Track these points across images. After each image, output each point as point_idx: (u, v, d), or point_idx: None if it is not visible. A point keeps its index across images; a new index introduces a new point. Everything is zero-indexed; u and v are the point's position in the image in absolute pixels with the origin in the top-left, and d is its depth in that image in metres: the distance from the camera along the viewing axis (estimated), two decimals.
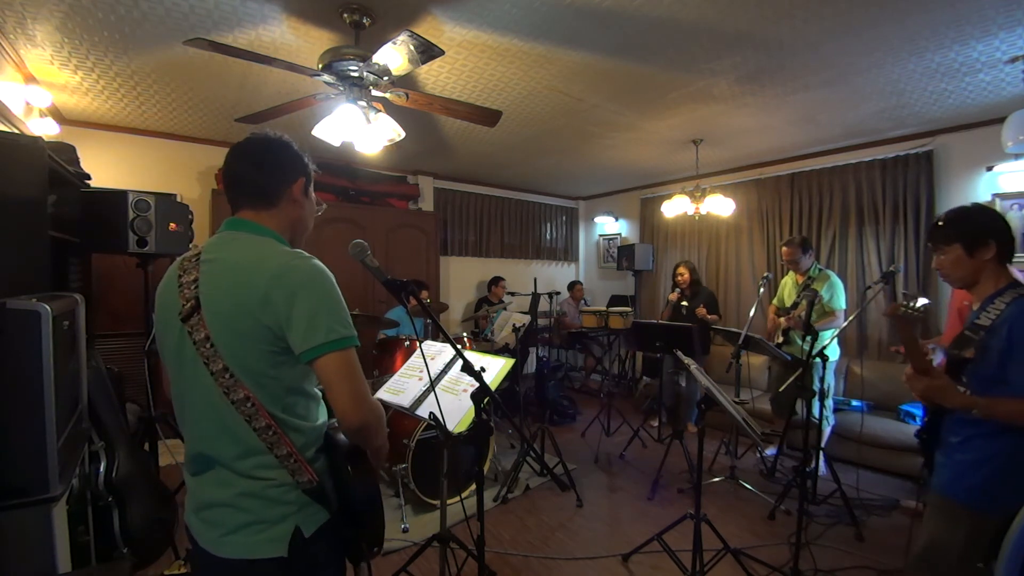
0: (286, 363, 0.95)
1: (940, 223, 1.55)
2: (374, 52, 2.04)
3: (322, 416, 1.07)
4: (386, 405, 2.17)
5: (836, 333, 3.09)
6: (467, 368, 1.44)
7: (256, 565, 0.94)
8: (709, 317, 4.18)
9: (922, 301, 1.47)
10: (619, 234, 6.78)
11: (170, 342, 1.00)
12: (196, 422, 0.99)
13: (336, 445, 1.04)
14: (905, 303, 1.47)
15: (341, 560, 1.08)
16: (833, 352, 3.38)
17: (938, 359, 1.79)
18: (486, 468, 3.26)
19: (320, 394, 1.05)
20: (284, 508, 0.96)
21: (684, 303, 4.30)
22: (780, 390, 3.41)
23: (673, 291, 4.39)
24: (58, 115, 3.49)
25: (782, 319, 3.52)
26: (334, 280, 0.98)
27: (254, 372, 0.93)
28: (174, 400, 1.03)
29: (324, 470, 1.02)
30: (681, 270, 4.40)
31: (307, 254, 1.00)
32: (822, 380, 2.95)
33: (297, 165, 1.09)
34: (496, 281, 5.66)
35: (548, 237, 7.03)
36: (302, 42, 2.52)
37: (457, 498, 2.87)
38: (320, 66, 2.21)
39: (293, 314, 0.91)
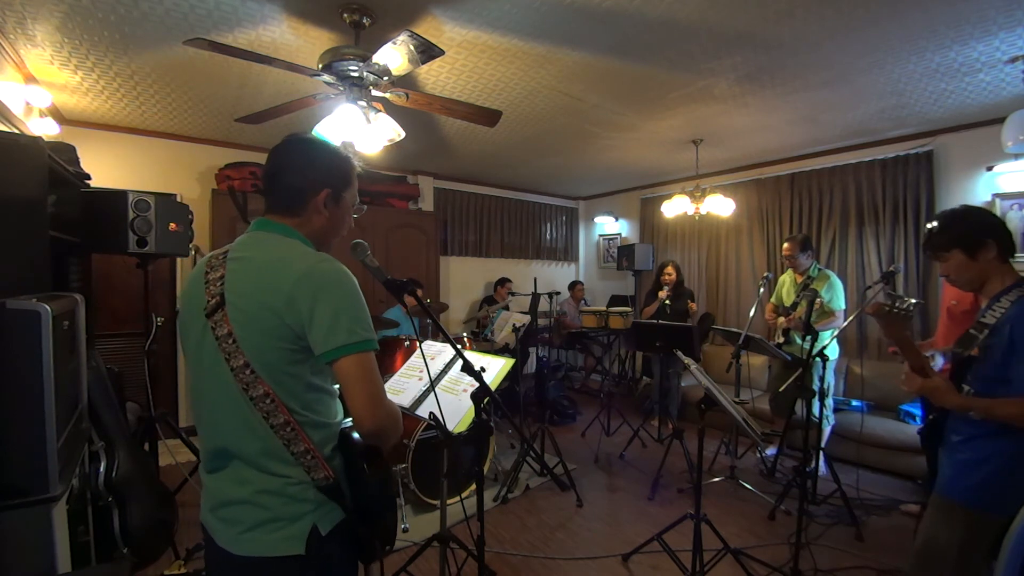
0: (305, 361, 0.97)
1: (934, 231, 1.52)
2: (374, 52, 2.04)
3: (339, 413, 1.08)
4: None
5: (836, 333, 3.09)
6: (467, 368, 1.44)
7: (274, 563, 0.95)
8: (693, 308, 4.46)
9: (910, 300, 1.44)
10: (619, 234, 6.79)
11: (192, 337, 1.02)
12: (215, 418, 1.00)
13: (352, 443, 1.05)
14: (890, 303, 1.43)
15: (355, 559, 1.09)
16: (833, 352, 3.38)
17: (938, 365, 1.76)
18: (486, 468, 3.26)
19: (337, 391, 1.06)
20: (302, 506, 0.96)
21: (667, 302, 4.35)
22: (780, 390, 3.40)
23: (661, 289, 4.43)
24: (58, 115, 3.49)
25: (781, 319, 3.52)
26: (357, 284, 1.00)
27: (274, 369, 0.95)
28: (192, 396, 1.04)
29: (340, 468, 1.03)
30: (669, 270, 4.47)
31: (332, 258, 1.01)
32: (822, 380, 2.94)
33: (325, 174, 1.08)
34: (503, 282, 5.70)
35: (548, 237, 7.03)
36: (302, 42, 2.52)
37: (457, 498, 2.87)
38: (320, 66, 2.21)
39: (315, 315, 0.93)
